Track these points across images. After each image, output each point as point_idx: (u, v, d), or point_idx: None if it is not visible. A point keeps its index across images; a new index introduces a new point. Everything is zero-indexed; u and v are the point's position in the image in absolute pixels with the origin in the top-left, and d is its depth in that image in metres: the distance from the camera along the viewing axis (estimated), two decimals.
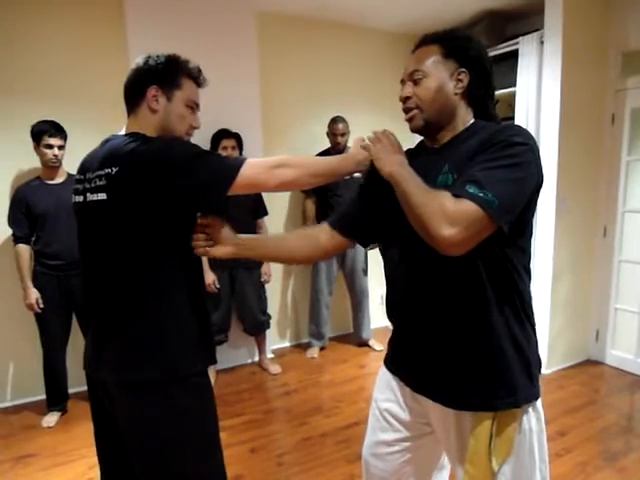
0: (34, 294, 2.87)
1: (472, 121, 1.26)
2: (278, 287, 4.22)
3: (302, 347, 4.22)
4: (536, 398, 1.20)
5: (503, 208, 1.03)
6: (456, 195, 1.04)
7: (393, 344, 1.41)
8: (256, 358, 3.92)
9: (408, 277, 1.24)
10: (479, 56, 1.24)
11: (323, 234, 1.44)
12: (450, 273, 1.15)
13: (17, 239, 2.90)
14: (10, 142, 3.12)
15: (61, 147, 2.91)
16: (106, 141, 1.35)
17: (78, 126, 3.15)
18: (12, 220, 2.91)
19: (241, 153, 3.43)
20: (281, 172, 1.29)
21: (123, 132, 1.36)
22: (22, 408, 3.22)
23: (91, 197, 1.28)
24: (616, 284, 3.62)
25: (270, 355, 3.96)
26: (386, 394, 1.39)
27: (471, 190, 1.03)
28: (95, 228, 1.31)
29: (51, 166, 2.91)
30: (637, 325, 3.48)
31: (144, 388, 1.27)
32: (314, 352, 4.05)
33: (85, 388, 1.47)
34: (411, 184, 1.11)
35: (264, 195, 3.57)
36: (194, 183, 1.22)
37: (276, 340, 4.21)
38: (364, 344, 4.19)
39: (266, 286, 3.68)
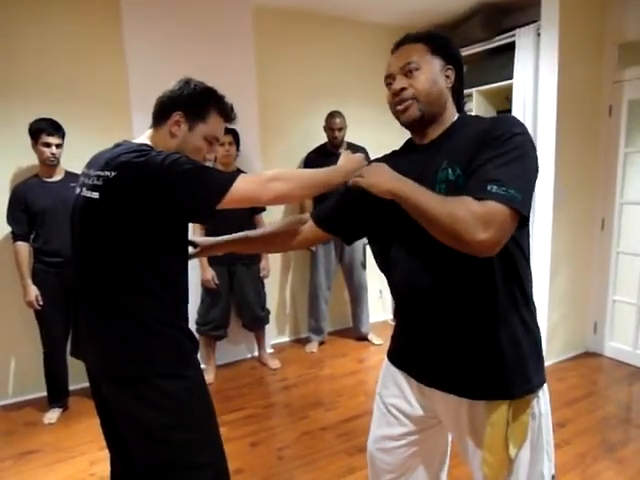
0: (33, 291, 2.88)
1: (457, 115, 1.29)
2: (277, 282, 4.23)
3: (301, 342, 4.24)
4: (545, 381, 1.23)
5: (525, 200, 1.05)
6: (479, 198, 1.04)
7: (400, 339, 1.41)
8: (255, 353, 3.93)
9: (418, 274, 1.23)
10: (459, 56, 1.30)
11: (306, 227, 1.51)
12: (461, 265, 1.15)
13: (16, 237, 2.91)
14: (9, 139, 3.11)
15: (59, 145, 2.91)
16: (117, 145, 1.40)
17: (76, 124, 3.15)
18: (11, 218, 2.92)
19: (238, 149, 3.43)
20: (274, 185, 1.32)
21: (140, 139, 1.43)
22: (23, 405, 3.24)
23: (85, 193, 1.34)
24: (614, 276, 3.63)
25: (269, 350, 3.97)
26: (391, 389, 1.40)
27: (494, 190, 1.03)
28: (82, 222, 1.36)
29: (49, 164, 2.91)
30: (635, 317, 3.49)
31: (131, 382, 1.31)
32: (313, 346, 4.06)
33: (86, 384, 1.51)
34: (421, 195, 1.10)
35: None
36: (184, 197, 1.26)
37: (275, 335, 4.22)
38: (363, 338, 4.20)
39: (265, 281, 3.69)
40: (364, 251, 4.03)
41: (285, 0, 3.82)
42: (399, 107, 1.26)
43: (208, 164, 1.47)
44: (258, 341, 3.83)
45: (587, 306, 3.76)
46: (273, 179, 1.33)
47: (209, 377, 3.49)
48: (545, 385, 1.23)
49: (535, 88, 3.53)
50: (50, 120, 2.89)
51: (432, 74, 1.23)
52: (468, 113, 1.36)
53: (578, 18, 3.32)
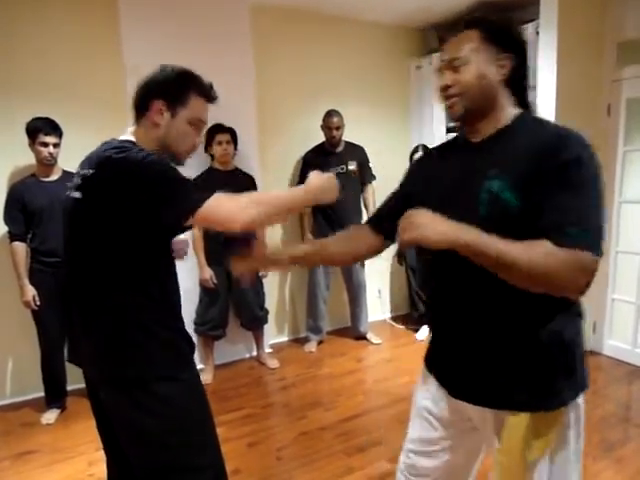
0: (30, 291, 2.87)
1: (516, 113, 1.18)
2: (275, 282, 4.22)
3: (300, 341, 4.23)
4: (578, 394, 1.16)
5: (601, 240, 1.01)
6: (560, 244, 0.98)
7: (433, 346, 1.38)
8: (254, 353, 3.92)
9: (456, 285, 1.20)
10: (520, 40, 1.20)
11: (365, 237, 1.45)
12: (497, 283, 1.06)
13: (13, 236, 2.90)
14: (7, 139, 3.10)
15: (56, 145, 2.90)
16: (104, 143, 1.38)
17: (75, 124, 3.13)
18: (8, 217, 2.91)
19: (236, 147, 3.42)
20: (246, 212, 1.26)
21: (124, 136, 1.39)
22: (21, 405, 3.23)
23: (70, 193, 1.34)
24: (613, 275, 3.61)
25: (268, 350, 3.96)
26: (423, 392, 1.37)
27: (573, 233, 0.99)
28: (70, 223, 1.35)
29: (46, 164, 2.90)
30: (634, 315, 3.48)
31: (129, 387, 1.30)
32: (312, 346, 4.05)
33: (84, 385, 1.49)
34: (501, 247, 1.00)
35: (261, 189, 3.55)
36: (155, 204, 1.23)
37: (274, 335, 4.21)
38: (362, 337, 4.19)
39: (263, 281, 3.68)
40: None
41: None
42: (446, 103, 1.21)
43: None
44: (257, 341, 3.82)
45: (586, 305, 3.73)
46: (248, 205, 1.27)
47: (207, 377, 3.47)
48: (580, 397, 1.16)
49: (534, 87, 3.52)
50: (47, 119, 2.88)
51: (479, 68, 1.14)
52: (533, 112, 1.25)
53: (577, 17, 3.31)
